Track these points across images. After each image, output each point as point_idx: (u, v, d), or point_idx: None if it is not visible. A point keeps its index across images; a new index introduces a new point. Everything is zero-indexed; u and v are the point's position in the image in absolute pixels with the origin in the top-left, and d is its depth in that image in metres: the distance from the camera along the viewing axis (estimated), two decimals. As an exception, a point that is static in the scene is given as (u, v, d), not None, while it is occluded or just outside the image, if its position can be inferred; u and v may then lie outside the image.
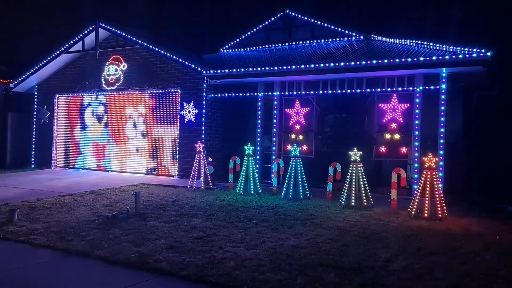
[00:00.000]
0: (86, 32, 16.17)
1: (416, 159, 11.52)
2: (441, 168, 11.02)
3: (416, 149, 11.59)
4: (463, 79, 11.99)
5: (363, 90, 12.39)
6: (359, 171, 9.75)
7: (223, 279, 4.92)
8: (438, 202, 8.58)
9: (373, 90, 12.30)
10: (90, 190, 11.37)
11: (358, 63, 11.69)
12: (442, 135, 11.21)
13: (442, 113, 11.26)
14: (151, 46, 15.06)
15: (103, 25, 15.88)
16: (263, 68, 13.03)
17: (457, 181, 11.81)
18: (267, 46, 16.55)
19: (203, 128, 14.18)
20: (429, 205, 8.57)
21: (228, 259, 5.61)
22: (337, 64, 11.98)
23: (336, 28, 15.48)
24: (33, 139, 17.91)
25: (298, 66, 12.48)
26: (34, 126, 17.92)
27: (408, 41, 13.06)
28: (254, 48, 16.73)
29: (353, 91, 12.49)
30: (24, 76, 17.41)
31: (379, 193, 11.29)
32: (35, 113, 17.93)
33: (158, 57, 15.05)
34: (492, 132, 13.30)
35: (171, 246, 6.17)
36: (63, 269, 5.55)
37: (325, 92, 12.90)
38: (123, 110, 16.05)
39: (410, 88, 11.79)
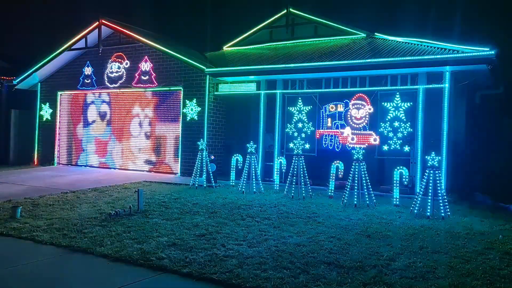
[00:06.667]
0: (89, 29, 16.19)
1: (419, 158, 11.49)
2: (444, 167, 10.99)
3: (419, 147, 11.57)
4: (466, 78, 11.93)
5: (366, 88, 12.36)
6: (362, 169, 9.75)
7: (225, 277, 4.93)
8: (440, 201, 8.57)
9: (376, 88, 12.28)
10: (92, 188, 11.40)
11: (361, 61, 11.66)
12: (445, 134, 11.18)
13: (445, 111, 11.22)
14: (153, 44, 15.07)
15: (106, 22, 15.90)
16: (265, 66, 13.01)
17: (460, 180, 11.78)
18: (270, 44, 16.50)
19: (205, 125, 14.18)
20: (432, 203, 8.56)
21: (230, 257, 5.61)
22: (340, 62, 11.96)
23: (339, 26, 15.41)
24: (36, 136, 17.96)
25: (301, 64, 12.45)
26: (37, 123, 17.96)
27: (412, 39, 13.00)
28: (257, 46, 16.69)
29: (356, 89, 12.47)
30: (27, 73, 17.44)
31: (381, 191, 11.28)
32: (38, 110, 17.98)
33: (161, 54, 15.06)
34: (495, 131, 13.26)
35: (173, 244, 6.18)
36: (65, 266, 5.57)
37: (328, 90, 12.88)
38: (125, 108, 16.07)
39: (413, 87, 11.76)
